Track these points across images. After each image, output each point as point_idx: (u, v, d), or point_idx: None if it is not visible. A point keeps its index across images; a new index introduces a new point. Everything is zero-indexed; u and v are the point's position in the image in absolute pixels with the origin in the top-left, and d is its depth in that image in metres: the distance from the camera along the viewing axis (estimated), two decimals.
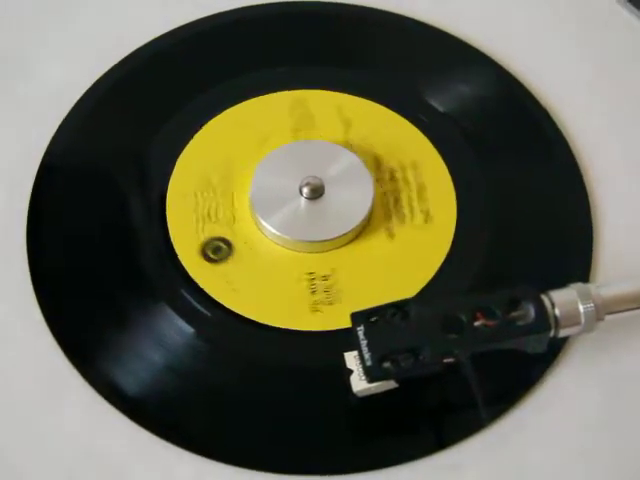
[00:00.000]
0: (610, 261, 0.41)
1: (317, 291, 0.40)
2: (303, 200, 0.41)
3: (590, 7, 0.50)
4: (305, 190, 0.41)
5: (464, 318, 0.35)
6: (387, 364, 0.35)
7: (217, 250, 0.41)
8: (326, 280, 0.40)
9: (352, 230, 0.41)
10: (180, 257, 0.40)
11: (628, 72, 0.47)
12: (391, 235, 0.41)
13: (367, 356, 0.35)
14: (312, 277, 0.40)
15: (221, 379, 0.38)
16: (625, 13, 0.49)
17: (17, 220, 0.41)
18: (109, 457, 0.36)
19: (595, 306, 0.36)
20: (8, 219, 0.41)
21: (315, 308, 0.39)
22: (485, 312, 0.35)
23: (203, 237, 0.41)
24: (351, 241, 0.41)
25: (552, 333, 0.36)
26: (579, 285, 0.37)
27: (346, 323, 0.36)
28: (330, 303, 0.39)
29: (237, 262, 0.40)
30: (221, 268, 0.40)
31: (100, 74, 0.46)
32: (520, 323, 0.35)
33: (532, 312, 0.35)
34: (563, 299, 0.36)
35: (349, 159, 0.42)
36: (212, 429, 0.37)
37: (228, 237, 0.41)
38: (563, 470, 0.37)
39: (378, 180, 0.42)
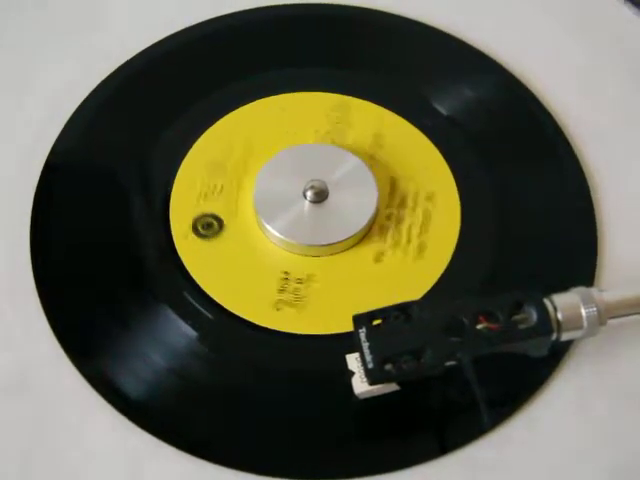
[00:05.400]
0: (614, 266, 0.41)
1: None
2: (307, 203, 0.41)
3: (594, 10, 0.50)
4: (309, 193, 0.41)
5: (466, 321, 0.35)
6: (389, 366, 0.35)
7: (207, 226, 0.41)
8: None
9: (355, 234, 0.41)
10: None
11: (633, 74, 0.47)
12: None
13: (369, 358, 0.35)
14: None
15: (221, 381, 0.38)
16: (628, 14, 0.49)
17: (21, 220, 0.41)
18: (108, 457, 0.36)
19: (598, 310, 0.36)
20: (12, 219, 0.41)
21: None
22: (487, 315, 0.35)
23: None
24: (357, 243, 0.41)
25: (554, 337, 0.36)
26: (582, 289, 0.37)
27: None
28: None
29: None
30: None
31: (107, 73, 0.46)
32: (522, 326, 0.35)
33: (534, 316, 0.35)
34: (565, 303, 0.36)
35: (353, 163, 0.42)
36: (211, 431, 0.37)
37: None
38: (566, 473, 0.36)
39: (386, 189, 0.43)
